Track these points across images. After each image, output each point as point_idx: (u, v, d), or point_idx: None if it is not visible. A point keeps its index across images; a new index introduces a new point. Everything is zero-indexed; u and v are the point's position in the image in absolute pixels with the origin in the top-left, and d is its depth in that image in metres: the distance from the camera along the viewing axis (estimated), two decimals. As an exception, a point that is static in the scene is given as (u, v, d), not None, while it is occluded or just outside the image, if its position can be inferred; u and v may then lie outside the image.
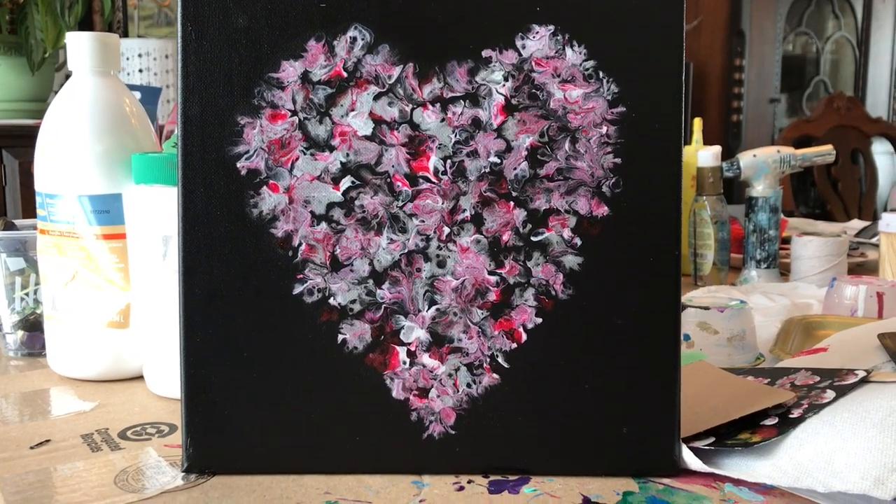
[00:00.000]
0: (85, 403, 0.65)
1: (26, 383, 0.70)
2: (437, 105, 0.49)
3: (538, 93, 0.49)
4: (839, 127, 2.86)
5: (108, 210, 0.68)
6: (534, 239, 0.50)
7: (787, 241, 1.26)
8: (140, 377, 0.70)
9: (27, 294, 0.77)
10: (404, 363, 0.50)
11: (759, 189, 1.11)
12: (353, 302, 0.50)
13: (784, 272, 1.15)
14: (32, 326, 0.77)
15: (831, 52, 4.23)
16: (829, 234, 1.11)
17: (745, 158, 1.11)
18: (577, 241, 0.50)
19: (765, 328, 0.84)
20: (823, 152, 1.12)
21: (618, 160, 0.49)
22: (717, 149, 1.13)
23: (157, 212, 0.64)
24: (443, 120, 0.49)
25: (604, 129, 0.49)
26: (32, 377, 0.72)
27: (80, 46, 0.69)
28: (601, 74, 0.49)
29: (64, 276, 0.70)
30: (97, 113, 0.68)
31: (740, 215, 1.28)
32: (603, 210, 0.50)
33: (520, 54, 0.49)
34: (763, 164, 1.10)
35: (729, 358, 0.71)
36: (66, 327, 0.70)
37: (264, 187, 0.50)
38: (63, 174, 0.69)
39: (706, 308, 0.73)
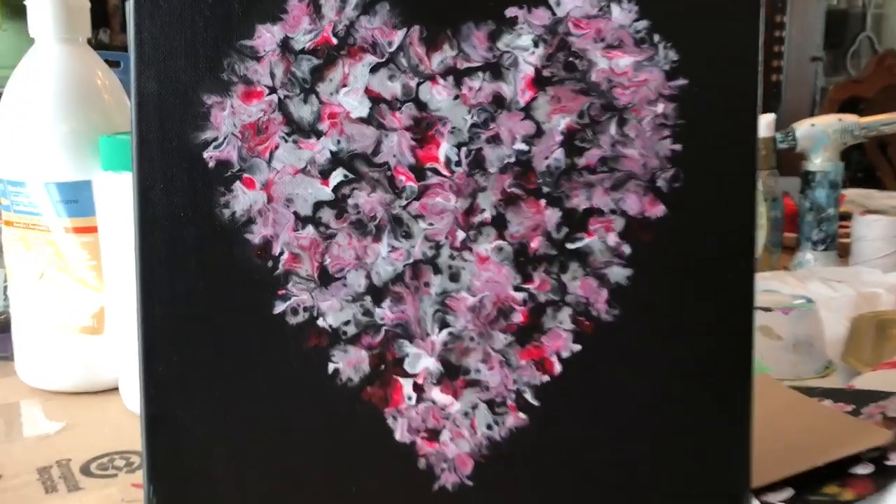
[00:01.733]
0: (51, 424, 0.57)
1: (-7, 395, 0.62)
2: (450, 78, 0.39)
3: (577, 62, 0.39)
4: (891, 87, 2.69)
5: (76, 199, 0.59)
6: (570, 246, 0.40)
7: (844, 216, 1.14)
8: (116, 389, 0.62)
9: (-4, 291, 0.69)
10: (410, 399, 0.41)
11: (816, 163, 0.99)
12: (346, 323, 0.41)
13: (842, 254, 1.04)
14: (3, 327, 0.69)
15: (876, 6, 4.02)
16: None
17: (802, 128, 0.99)
18: (626, 249, 0.40)
19: (829, 326, 0.74)
20: (893, 120, 1.00)
21: (677, 147, 0.39)
22: (771, 117, 1.02)
23: (131, 202, 0.55)
24: (456, 97, 0.40)
25: (660, 108, 0.39)
26: (2, 386, 0.64)
27: (41, 9, 0.59)
28: (656, 38, 0.39)
29: (31, 274, 0.61)
30: (63, 87, 0.59)
31: (792, 190, 1.16)
32: (658, 210, 0.40)
33: (553, 13, 0.39)
34: (822, 135, 0.98)
35: (794, 368, 0.61)
36: (35, 332, 0.62)
37: (237, 182, 0.40)
38: (26, 158, 0.60)
39: (768, 309, 0.63)
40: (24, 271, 0.61)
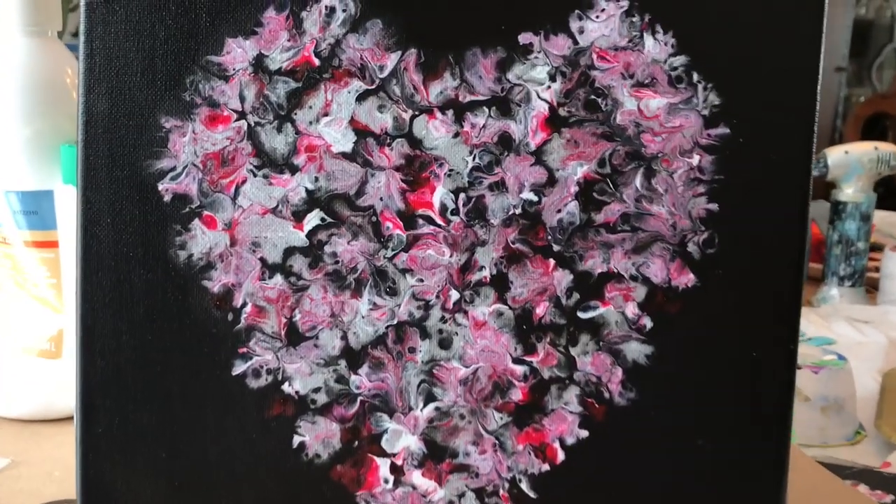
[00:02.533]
0: (-5, 459, 0.51)
1: (-62, 419, 0.57)
2: (450, 112, 0.34)
3: (599, 100, 0.33)
4: (920, 105, 2.60)
5: (36, 211, 0.54)
6: (582, 315, 0.34)
7: (874, 247, 1.08)
8: (72, 418, 0.56)
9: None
10: (386, 482, 0.35)
11: (848, 192, 0.93)
12: (316, 391, 0.35)
13: (871, 289, 0.98)
14: (-41, 341, 0.63)
15: (906, 17, 3.92)
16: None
17: (834, 155, 0.93)
18: (647, 323, 0.34)
19: (858, 378, 0.68)
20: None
21: (713, 206, 0.33)
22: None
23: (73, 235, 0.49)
24: (456, 135, 0.34)
25: (695, 160, 0.33)
26: (-49, 409, 0.58)
27: (6, -2, 0.53)
28: (696, 77, 0.33)
29: (-14, 288, 0.56)
30: (26, 86, 0.54)
31: (818, 216, 1.10)
32: (687, 279, 0.34)
33: (575, 41, 0.33)
34: (856, 164, 0.92)
35: (821, 433, 0.55)
36: (-12, 354, 0.56)
37: (196, 221, 0.34)
38: (-18, 163, 0.54)
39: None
40: (-22, 285, 0.56)
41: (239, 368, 0.35)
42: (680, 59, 0.33)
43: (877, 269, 0.99)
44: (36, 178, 0.53)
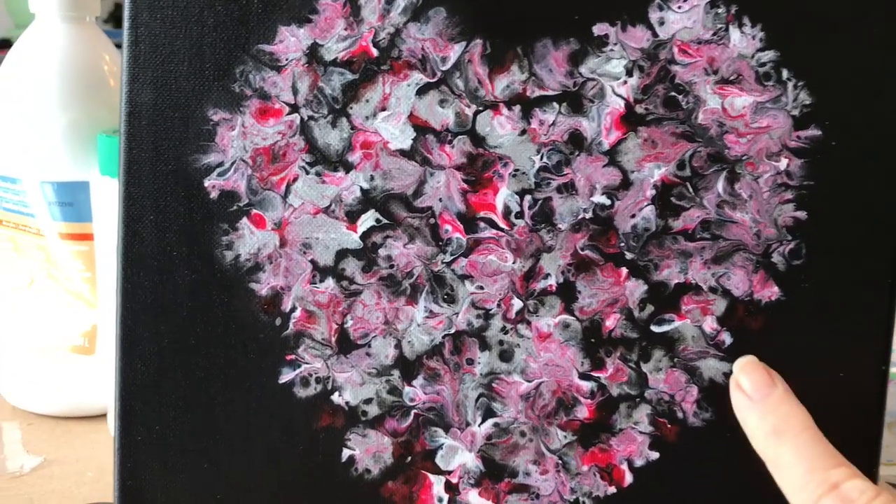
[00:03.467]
0: (28, 458, 0.50)
1: (-29, 414, 0.56)
2: (516, 108, 0.31)
3: (680, 97, 0.31)
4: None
5: (71, 202, 0.52)
6: (656, 329, 0.32)
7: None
8: (105, 415, 0.54)
9: (-16, 294, 0.62)
10: (440, 501, 0.33)
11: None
12: (367, 402, 0.33)
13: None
14: (-9, 333, 0.62)
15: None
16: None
17: None
18: (726, 339, 0.31)
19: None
20: None
21: (801, 214, 0.31)
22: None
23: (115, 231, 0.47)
24: (523, 132, 0.31)
25: (783, 163, 0.31)
26: (-17, 403, 0.57)
27: (43, -19, 0.52)
28: (786, 74, 0.30)
29: (19, 280, 0.54)
30: (63, 73, 0.52)
31: None
32: (771, 291, 0.31)
33: (654, 34, 0.31)
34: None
35: (888, 451, 0.53)
36: (20, 347, 0.55)
37: (244, 219, 0.32)
38: (18, 152, 0.52)
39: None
40: (11, 276, 0.54)
41: (286, 376, 0.33)
42: (769, 55, 0.30)
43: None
44: (72, 168, 0.51)
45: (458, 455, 0.33)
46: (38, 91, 0.51)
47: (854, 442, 0.31)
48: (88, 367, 0.54)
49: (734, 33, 0.30)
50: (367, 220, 0.32)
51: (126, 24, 0.32)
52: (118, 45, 0.57)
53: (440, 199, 0.32)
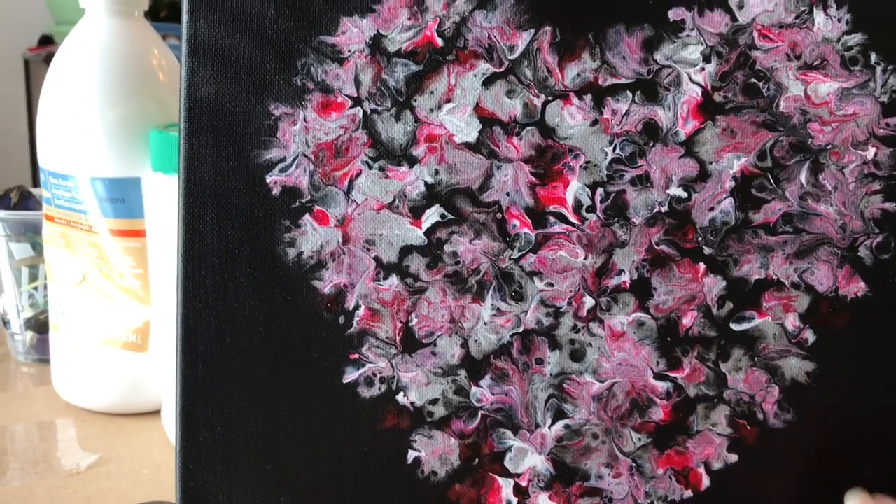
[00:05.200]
0: (84, 455, 0.50)
1: (27, 408, 0.56)
2: (587, 97, 0.30)
3: (760, 84, 0.29)
4: None
5: (122, 199, 0.52)
6: (735, 327, 0.30)
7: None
8: (158, 411, 0.54)
9: (35, 289, 0.62)
10: (509, 504, 0.32)
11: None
12: (433, 402, 0.32)
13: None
14: (43, 327, 0.62)
15: None
16: None
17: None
18: (809, 337, 0.30)
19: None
20: None
21: (890, 206, 0.29)
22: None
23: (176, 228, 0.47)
24: (595, 122, 0.30)
25: (870, 152, 0.29)
26: (37, 398, 0.57)
27: (93, -24, 0.51)
28: (874, 58, 0.29)
29: (72, 275, 0.54)
30: (112, 68, 0.52)
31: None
32: (857, 287, 0.30)
33: (734, 17, 0.29)
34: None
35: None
36: (73, 343, 0.55)
37: (306, 216, 0.32)
38: (69, 148, 0.52)
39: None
40: (64, 272, 0.54)
41: (350, 376, 0.32)
42: (856, 38, 0.29)
43: None
44: (123, 164, 0.51)
45: (528, 458, 0.32)
46: (87, 88, 0.51)
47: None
48: (141, 363, 0.54)
49: (818, 16, 0.29)
50: (432, 215, 0.31)
51: (185, 17, 0.31)
52: (162, 35, 0.57)
53: (507, 194, 0.31)
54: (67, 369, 0.55)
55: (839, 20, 0.29)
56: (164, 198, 0.49)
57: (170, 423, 0.51)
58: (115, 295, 0.53)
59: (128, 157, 0.51)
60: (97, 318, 0.54)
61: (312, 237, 0.32)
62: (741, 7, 0.29)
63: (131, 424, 0.54)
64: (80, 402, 0.55)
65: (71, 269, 0.54)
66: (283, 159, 0.31)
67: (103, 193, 0.52)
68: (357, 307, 0.32)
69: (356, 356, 0.32)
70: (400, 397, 0.32)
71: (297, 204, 0.32)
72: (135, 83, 0.52)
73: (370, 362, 0.32)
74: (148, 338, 0.54)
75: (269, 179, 0.32)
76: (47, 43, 2.37)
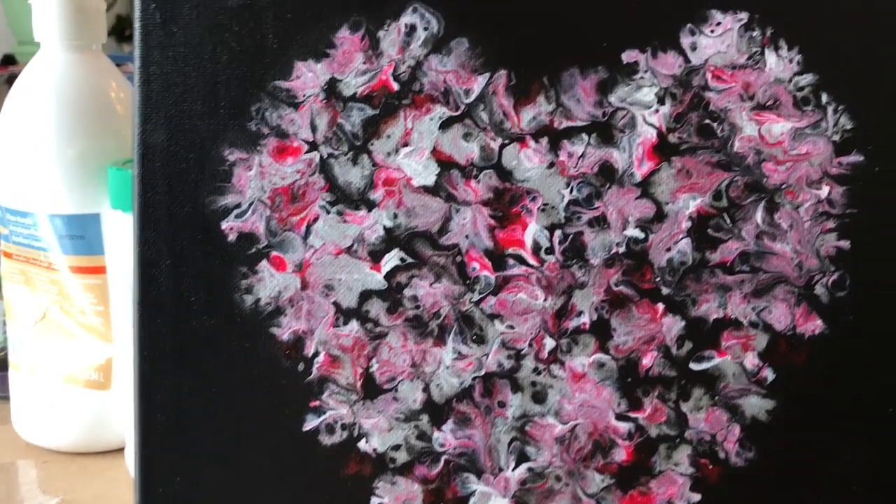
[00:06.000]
0: (45, 499, 0.49)
1: (-15, 450, 0.55)
2: (544, 140, 0.30)
3: (715, 125, 0.30)
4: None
5: (82, 235, 0.51)
6: (695, 367, 0.30)
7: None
8: (121, 449, 0.53)
9: (-5, 326, 0.61)
10: (474, 549, 0.32)
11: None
12: (396, 448, 0.32)
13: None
14: (3, 365, 0.61)
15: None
16: None
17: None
18: (768, 375, 0.30)
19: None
20: None
21: (844, 244, 0.30)
22: None
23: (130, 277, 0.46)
24: (551, 165, 0.30)
25: (824, 191, 0.29)
26: (-2, 438, 0.56)
27: (47, 9, 0.51)
28: (825, 98, 0.29)
29: (32, 314, 0.53)
30: (70, 103, 0.51)
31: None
32: (814, 325, 0.30)
33: (686, 59, 0.29)
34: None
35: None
36: (33, 381, 0.54)
37: (264, 262, 0.31)
38: (26, 185, 0.51)
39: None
40: (24, 309, 0.53)
41: (311, 423, 0.32)
42: (807, 78, 0.29)
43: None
44: (81, 201, 0.50)
45: (492, 501, 0.32)
46: (44, 123, 0.50)
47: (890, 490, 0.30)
48: (104, 401, 0.53)
49: (770, 57, 0.29)
50: (392, 259, 0.31)
51: (137, 62, 0.31)
52: (119, 65, 0.56)
53: (467, 236, 0.31)
54: (28, 408, 0.54)
55: (790, 60, 0.29)
56: (123, 235, 0.48)
57: (133, 461, 0.50)
58: (77, 332, 0.52)
59: (87, 193, 0.50)
60: (58, 355, 0.53)
61: (270, 283, 0.31)
62: (694, 48, 0.29)
63: (94, 464, 0.53)
64: (41, 442, 0.54)
65: (31, 307, 0.53)
66: (238, 205, 0.31)
67: (62, 230, 0.51)
68: (317, 354, 0.32)
69: (316, 403, 0.32)
70: (362, 444, 0.32)
71: (254, 250, 0.31)
72: (92, 119, 0.51)
73: (331, 409, 0.32)
74: (110, 375, 0.53)
75: (224, 226, 0.31)
76: (10, 63, 2.34)
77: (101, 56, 0.53)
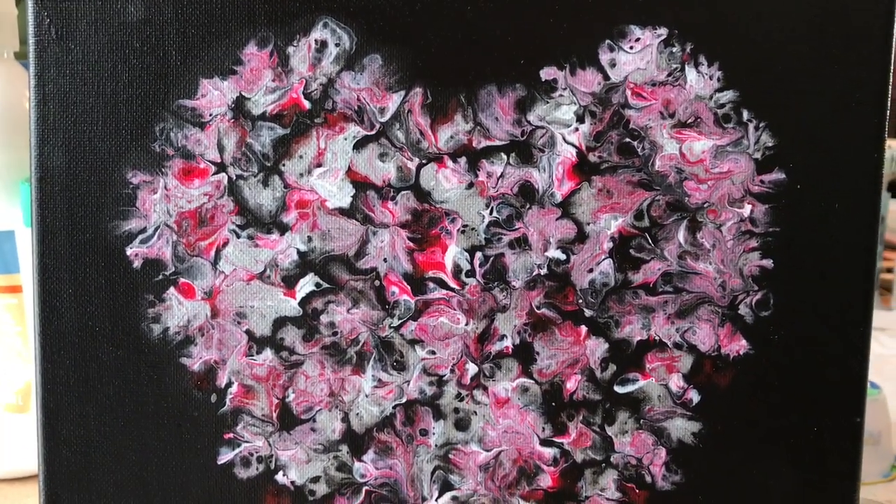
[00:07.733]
0: (-42, 531, 0.47)
1: None
2: (462, 160, 0.29)
3: (635, 144, 0.29)
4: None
5: (-4, 254, 0.49)
6: (619, 390, 0.30)
7: (888, 247, 1.03)
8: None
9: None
10: (398, 582, 0.31)
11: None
12: (315, 480, 0.30)
13: (884, 291, 0.94)
14: (-80, 389, 0.58)
15: None
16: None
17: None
18: (693, 397, 0.30)
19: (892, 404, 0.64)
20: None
21: (767, 263, 0.29)
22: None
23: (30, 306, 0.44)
24: (470, 186, 0.29)
25: (746, 210, 0.29)
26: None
27: (-44, 19, 0.48)
28: (746, 115, 0.29)
29: (-54, 337, 0.51)
30: (-19, 116, 0.48)
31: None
32: (739, 345, 0.29)
33: (606, 76, 0.29)
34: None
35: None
36: (-51, 409, 0.51)
37: (171, 289, 0.30)
38: (-64, 201, 0.49)
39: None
40: (-62, 333, 0.51)
41: (225, 456, 0.30)
42: (728, 95, 0.29)
43: (889, 270, 0.95)
44: (-5, 217, 0.48)
45: (415, 532, 0.31)
46: (-47, 136, 0.48)
47: (831, 501, 0.30)
48: (23, 425, 0.51)
49: (691, 73, 0.28)
50: (306, 284, 0.30)
51: (32, 81, 0.29)
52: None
53: (385, 260, 0.30)
54: (-57, 435, 0.52)
55: (711, 77, 0.28)
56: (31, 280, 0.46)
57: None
58: (-7, 355, 0.50)
59: (3, 209, 0.48)
60: (-26, 379, 0.51)
61: (178, 311, 0.30)
62: (613, 65, 0.29)
63: (14, 490, 0.50)
64: (-43, 470, 0.52)
65: (-56, 329, 0.51)
66: (143, 230, 0.30)
67: (-24, 248, 0.49)
68: (230, 384, 0.30)
69: (231, 435, 0.30)
70: (279, 476, 0.30)
71: (161, 277, 0.30)
72: (3, 131, 0.49)
73: (246, 441, 0.30)
74: (30, 398, 0.51)
75: (129, 252, 0.30)
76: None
77: (13, 64, 0.51)
